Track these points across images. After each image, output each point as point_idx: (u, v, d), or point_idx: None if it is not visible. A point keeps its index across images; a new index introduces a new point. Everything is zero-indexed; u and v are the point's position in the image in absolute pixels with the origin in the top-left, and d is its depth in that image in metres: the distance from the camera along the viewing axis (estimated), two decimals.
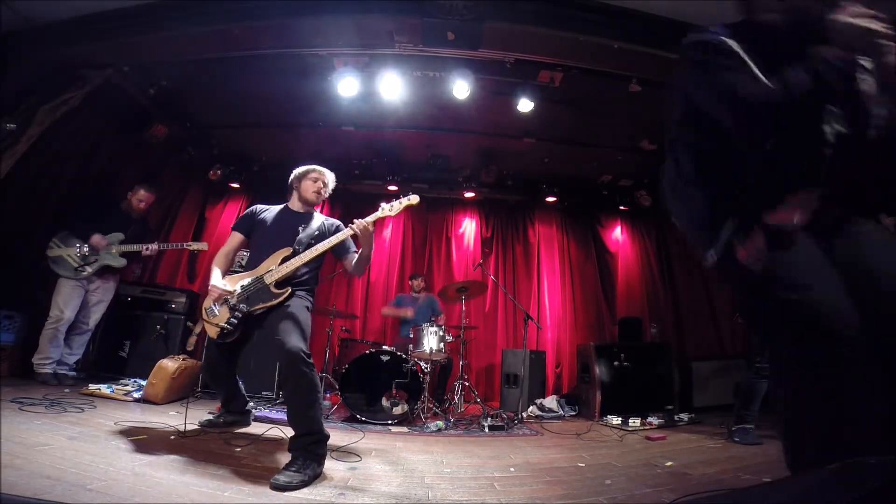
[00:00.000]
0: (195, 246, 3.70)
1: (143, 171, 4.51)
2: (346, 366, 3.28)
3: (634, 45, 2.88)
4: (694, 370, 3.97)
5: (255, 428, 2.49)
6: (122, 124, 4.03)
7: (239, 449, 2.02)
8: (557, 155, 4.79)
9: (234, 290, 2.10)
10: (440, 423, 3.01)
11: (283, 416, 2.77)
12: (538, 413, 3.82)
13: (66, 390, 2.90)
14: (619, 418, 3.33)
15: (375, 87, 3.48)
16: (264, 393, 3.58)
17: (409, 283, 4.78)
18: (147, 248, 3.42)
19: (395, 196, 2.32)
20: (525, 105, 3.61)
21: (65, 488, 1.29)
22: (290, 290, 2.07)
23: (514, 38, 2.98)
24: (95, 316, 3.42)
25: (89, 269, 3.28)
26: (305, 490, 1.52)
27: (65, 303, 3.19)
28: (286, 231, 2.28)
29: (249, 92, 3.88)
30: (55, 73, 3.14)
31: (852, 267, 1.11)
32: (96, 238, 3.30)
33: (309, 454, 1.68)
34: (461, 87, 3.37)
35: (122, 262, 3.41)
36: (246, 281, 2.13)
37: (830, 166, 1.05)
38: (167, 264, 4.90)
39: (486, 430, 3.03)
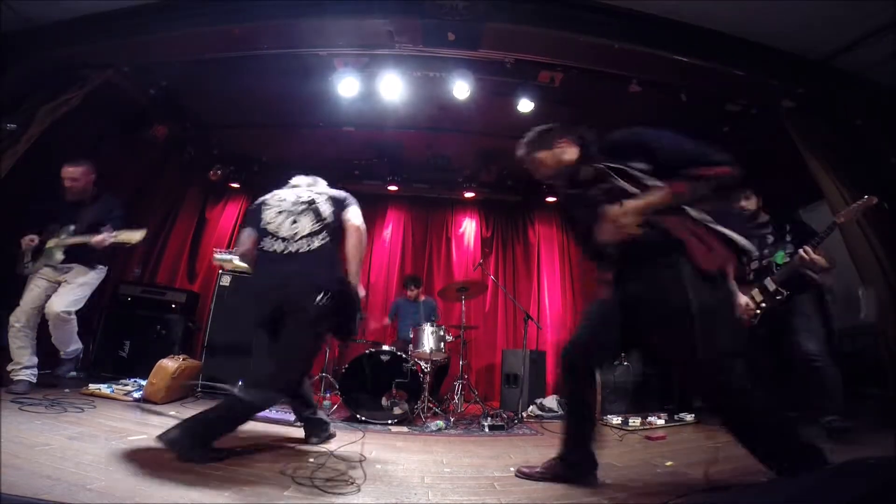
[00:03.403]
0: (122, 237, 2.91)
1: (144, 172, 4.53)
2: (346, 366, 3.28)
3: (634, 45, 2.88)
4: None
5: (254, 428, 2.49)
6: (122, 124, 4.03)
7: (239, 449, 2.02)
8: None
9: None
10: (440, 423, 3.01)
11: (283, 416, 2.78)
12: (538, 413, 3.82)
13: (67, 390, 2.90)
14: (619, 418, 3.32)
15: (375, 87, 3.47)
16: None
17: (405, 289, 4.73)
18: (94, 238, 2.86)
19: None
20: (525, 105, 3.61)
21: (65, 488, 1.29)
22: None
23: (514, 38, 2.98)
24: (55, 298, 2.91)
25: (32, 266, 2.95)
26: (305, 489, 1.53)
27: (24, 295, 2.90)
28: None
29: (249, 92, 3.88)
30: (55, 73, 3.14)
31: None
32: (24, 240, 2.95)
33: None
34: (461, 88, 3.37)
35: (59, 257, 2.93)
36: None
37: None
38: (167, 264, 4.90)
39: (486, 429, 3.03)
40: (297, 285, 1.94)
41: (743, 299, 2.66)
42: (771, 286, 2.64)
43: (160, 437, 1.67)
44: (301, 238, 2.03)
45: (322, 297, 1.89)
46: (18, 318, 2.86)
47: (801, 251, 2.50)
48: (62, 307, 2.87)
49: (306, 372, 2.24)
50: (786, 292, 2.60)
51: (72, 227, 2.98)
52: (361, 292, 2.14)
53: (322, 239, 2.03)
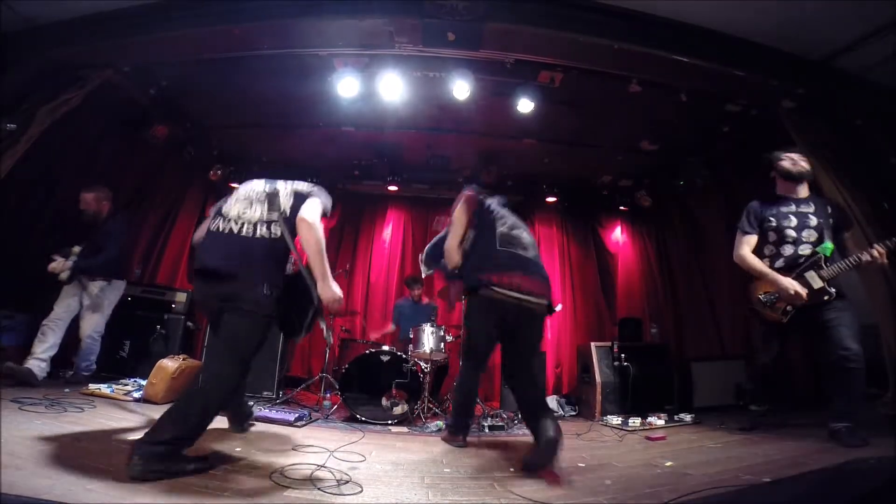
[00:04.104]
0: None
1: (144, 172, 4.53)
2: (346, 366, 3.28)
3: (634, 45, 2.88)
4: (694, 370, 3.97)
5: (255, 428, 2.49)
6: (122, 125, 4.02)
7: (239, 449, 2.02)
8: (557, 155, 4.78)
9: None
10: (440, 423, 3.01)
11: (283, 416, 2.78)
12: None
13: (67, 390, 2.90)
14: (619, 418, 3.32)
15: (375, 87, 3.47)
16: (265, 393, 3.58)
17: (408, 289, 4.74)
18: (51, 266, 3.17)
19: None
20: (525, 105, 3.60)
21: (65, 488, 1.29)
22: None
23: (514, 39, 2.98)
24: (84, 323, 3.33)
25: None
26: (305, 490, 1.53)
27: (56, 301, 3.23)
28: None
29: (249, 92, 3.87)
30: (55, 73, 3.14)
31: None
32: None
33: None
34: (461, 88, 3.36)
35: (64, 277, 3.21)
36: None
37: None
38: (167, 264, 4.90)
39: (486, 430, 3.03)
40: (221, 270, 1.78)
41: (785, 282, 2.30)
42: (816, 283, 2.28)
43: (129, 474, 1.45)
44: (248, 223, 1.87)
45: (245, 290, 1.75)
46: (49, 318, 3.14)
47: (873, 250, 2.15)
48: (90, 330, 3.30)
49: (234, 371, 1.78)
50: (834, 292, 2.25)
51: (76, 248, 3.28)
52: (332, 292, 1.88)
53: (271, 230, 1.86)
